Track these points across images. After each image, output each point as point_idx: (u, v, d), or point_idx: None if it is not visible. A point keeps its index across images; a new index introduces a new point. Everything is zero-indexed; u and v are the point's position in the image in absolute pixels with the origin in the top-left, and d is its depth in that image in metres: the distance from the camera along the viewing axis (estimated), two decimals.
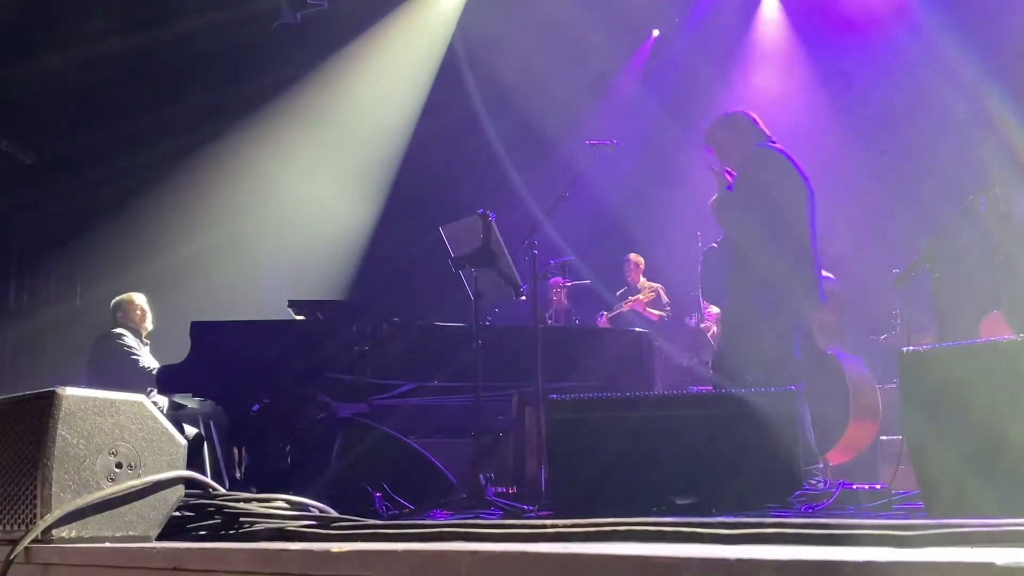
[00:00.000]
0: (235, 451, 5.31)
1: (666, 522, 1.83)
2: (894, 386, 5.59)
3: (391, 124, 9.22)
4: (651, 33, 9.34)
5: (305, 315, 5.39)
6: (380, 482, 4.14)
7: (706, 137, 4.70)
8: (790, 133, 8.01)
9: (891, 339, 6.80)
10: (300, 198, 8.92)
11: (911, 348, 2.68)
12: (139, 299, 6.81)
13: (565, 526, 1.97)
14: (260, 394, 5.19)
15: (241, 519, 2.38)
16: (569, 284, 6.86)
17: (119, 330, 6.64)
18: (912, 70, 7.66)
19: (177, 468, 2.36)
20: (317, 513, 2.50)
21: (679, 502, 3.18)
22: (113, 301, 6.83)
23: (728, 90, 8.82)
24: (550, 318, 6.93)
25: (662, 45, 9.31)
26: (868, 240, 7.81)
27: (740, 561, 1.30)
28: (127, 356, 6.54)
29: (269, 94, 8.87)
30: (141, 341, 6.70)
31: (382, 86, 9.15)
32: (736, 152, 4.46)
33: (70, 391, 2.26)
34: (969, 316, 4.85)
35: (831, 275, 5.66)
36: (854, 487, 3.26)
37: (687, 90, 8.83)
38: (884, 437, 5.68)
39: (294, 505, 2.51)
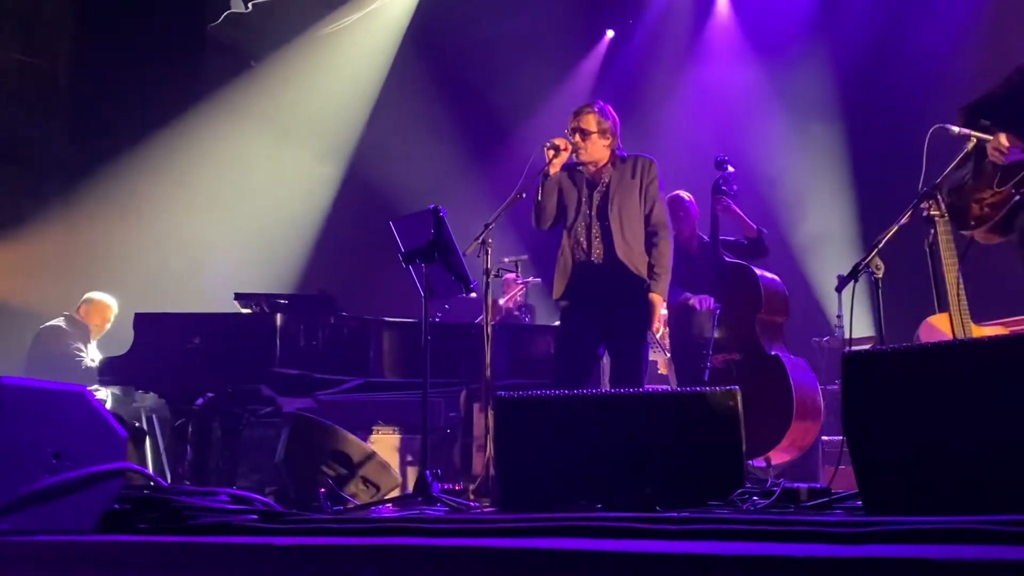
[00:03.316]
0: (178, 445, 5.25)
1: (610, 518, 1.85)
2: (836, 387, 5.68)
3: (344, 116, 9.16)
4: (605, 34, 9.39)
5: (252, 308, 5.34)
6: (325, 477, 4.11)
7: None
8: (742, 135, 8.13)
9: (834, 341, 6.92)
10: (249, 190, 8.82)
11: (853, 350, 2.73)
12: (111, 305, 6.72)
13: (510, 522, 1.97)
14: (204, 388, 5.14)
15: (183, 513, 2.35)
16: (522, 282, 6.87)
17: (61, 324, 6.53)
18: (864, 72, 7.78)
19: (118, 461, 2.32)
20: (261, 508, 2.48)
21: (623, 499, 3.20)
22: (88, 295, 6.74)
23: (681, 91, 8.90)
24: (500, 315, 6.93)
25: (617, 46, 9.36)
26: (814, 243, 7.94)
27: (683, 556, 1.32)
28: (69, 348, 6.43)
29: (218, 84, 8.75)
30: (87, 339, 6.61)
31: (335, 77, 9.08)
32: None
33: (8, 381, 2.22)
34: (910, 319, 4.96)
35: (776, 277, 5.74)
36: (795, 486, 3.31)
37: (641, 90, 8.89)
38: (825, 437, 5.78)
39: (237, 499, 2.49)
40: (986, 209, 3.54)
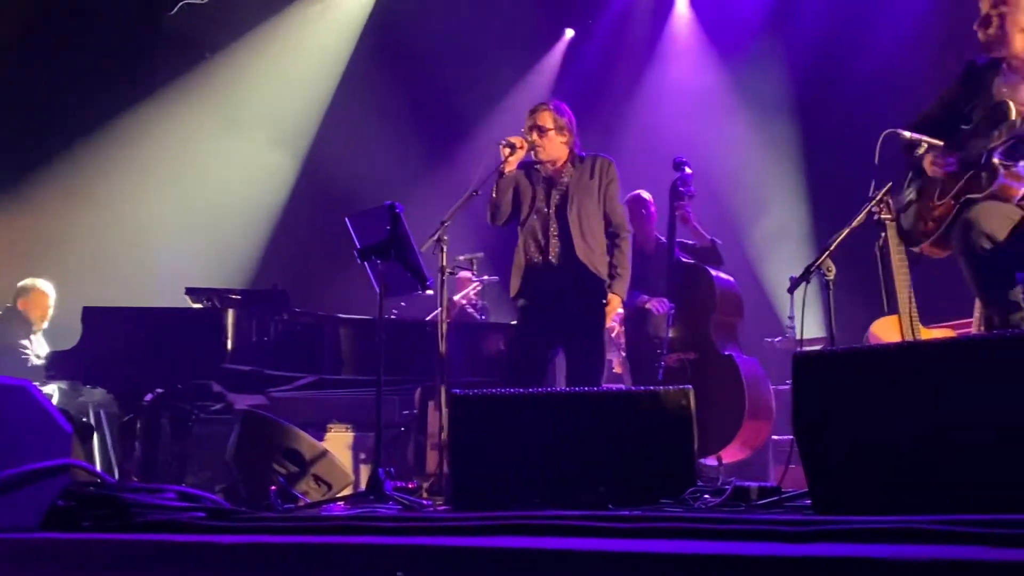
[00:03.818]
0: (127, 441, 5.18)
1: (562, 516, 1.85)
2: (787, 387, 5.75)
3: (301, 109, 9.07)
4: (565, 33, 9.40)
5: (203, 303, 5.28)
6: (276, 475, 4.07)
7: None
8: (701, 134, 8.20)
9: (786, 342, 7.01)
10: (203, 182, 8.69)
11: (803, 351, 2.76)
12: (47, 292, 6.56)
13: (462, 520, 1.97)
14: (153, 383, 5.08)
15: (130, 510, 2.31)
16: (478, 280, 6.85)
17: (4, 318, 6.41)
18: (820, 71, 7.85)
19: (63, 457, 2.28)
20: (209, 505, 2.45)
21: (577, 497, 3.21)
22: (22, 283, 6.57)
23: (641, 90, 8.95)
24: (455, 310, 6.90)
25: (577, 45, 9.36)
26: (769, 243, 8.02)
27: (634, 555, 1.32)
28: (14, 344, 6.31)
29: (173, 74, 8.62)
30: (30, 332, 6.47)
31: (292, 70, 8.99)
32: None
33: None
34: (860, 321, 5.03)
35: (731, 279, 5.80)
36: (746, 484, 3.34)
37: (601, 89, 8.92)
38: (776, 437, 5.85)
39: (185, 497, 2.45)
40: (930, 224, 3.60)
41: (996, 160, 3.38)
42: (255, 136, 8.92)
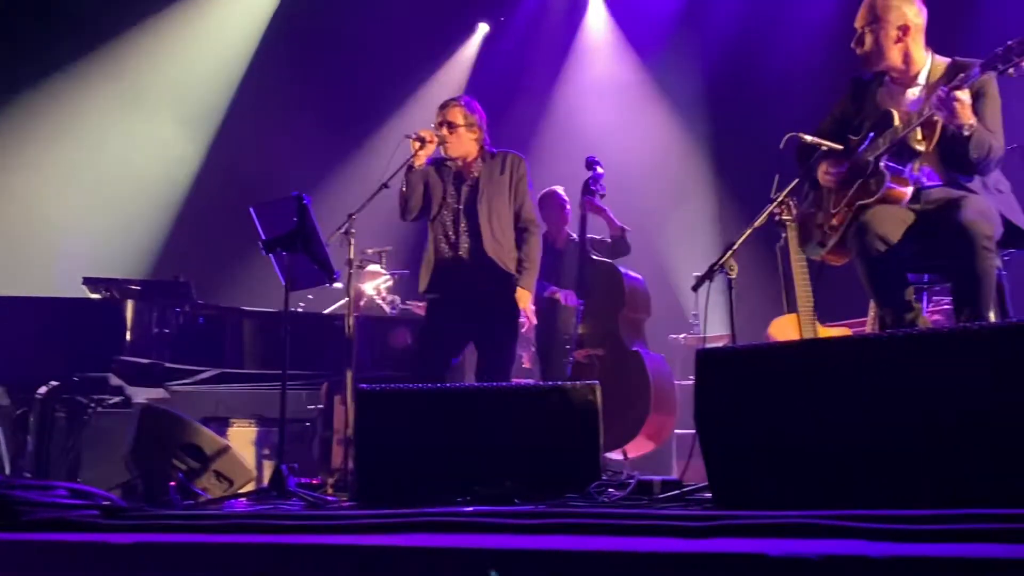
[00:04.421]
0: (19, 436, 5.01)
1: (466, 513, 1.84)
2: (691, 383, 5.86)
3: (208, 98, 8.83)
4: (477, 27, 9.37)
5: (102, 293, 5.13)
6: (176, 471, 3.98)
7: None
8: (616, 132, 8.28)
9: (690, 339, 7.14)
10: (105, 170, 8.40)
11: (706, 348, 2.81)
12: None
13: (366, 518, 1.95)
14: (48, 375, 4.93)
15: (18, 508, 2.22)
16: (392, 274, 6.79)
17: None
18: (731, 71, 7.99)
19: None
20: (103, 503, 2.37)
21: (483, 492, 3.21)
22: None
23: (556, 87, 8.99)
24: (363, 300, 6.82)
25: (492, 41, 9.34)
26: (679, 241, 8.14)
27: (536, 552, 1.32)
28: None
29: (71, 58, 8.30)
30: None
31: (198, 56, 8.74)
32: None
33: None
34: (762, 318, 5.16)
35: (640, 276, 5.89)
36: (649, 478, 3.39)
37: (516, 86, 8.93)
38: (679, 431, 5.95)
39: (77, 494, 2.37)
40: (829, 232, 3.71)
41: (882, 166, 3.50)
42: (160, 122, 8.65)
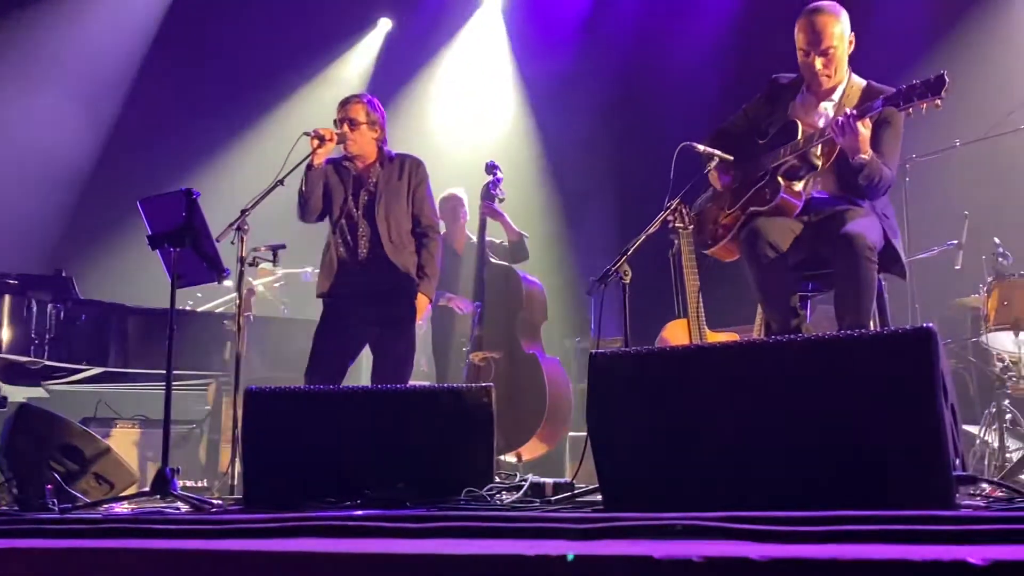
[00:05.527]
0: None
1: (354, 517, 1.81)
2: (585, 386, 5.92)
3: (98, 90, 8.48)
4: (379, 23, 9.26)
5: None
6: (52, 473, 3.81)
7: None
8: (519, 135, 8.30)
9: (586, 342, 7.21)
10: None
11: (599, 351, 2.84)
12: None
13: (251, 522, 1.90)
14: None
15: None
16: (280, 271, 6.66)
17: None
18: (629, 78, 8.09)
19: None
20: None
21: (375, 495, 3.17)
22: None
23: (459, 88, 8.97)
24: (253, 297, 6.67)
25: (394, 39, 9.24)
26: (578, 245, 8.20)
27: (421, 556, 1.31)
28: None
29: None
30: None
31: (94, 43, 8.40)
32: None
33: None
34: (655, 322, 5.25)
35: (538, 281, 5.93)
36: (542, 481, 3.41)
37: (417, 86, 8.88)
38: (572, 433, 6.01)
39: None
40: (720, 230, 3.81)
41: (779, 177, 3.60)
42: (49, 108, 8.26)
